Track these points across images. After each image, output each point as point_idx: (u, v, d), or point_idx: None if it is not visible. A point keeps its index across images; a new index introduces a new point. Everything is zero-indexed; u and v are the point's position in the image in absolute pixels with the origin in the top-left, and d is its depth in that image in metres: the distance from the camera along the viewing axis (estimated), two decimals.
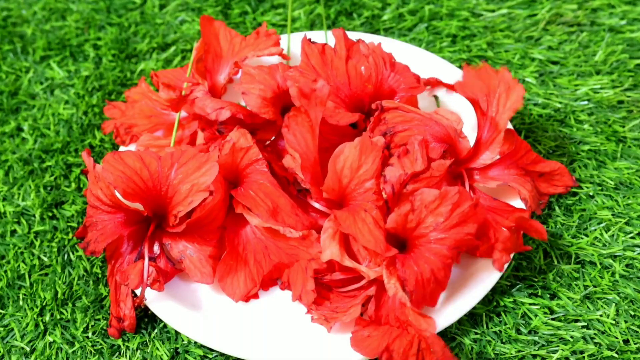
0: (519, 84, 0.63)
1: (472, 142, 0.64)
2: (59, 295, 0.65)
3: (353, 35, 0.74)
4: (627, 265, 0.64)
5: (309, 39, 0.67)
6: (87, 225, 0.62)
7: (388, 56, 0.67)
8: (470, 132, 0.68)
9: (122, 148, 0.71)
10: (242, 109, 0.64)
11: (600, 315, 0.61)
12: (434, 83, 0.68)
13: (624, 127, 0.73)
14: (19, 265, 0.68)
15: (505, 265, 0.60)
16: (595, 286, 0.63)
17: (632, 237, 0.65)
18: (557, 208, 0.67)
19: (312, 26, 0.84)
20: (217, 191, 0.61)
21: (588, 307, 0.62)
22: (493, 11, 0.84)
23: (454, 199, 0.56)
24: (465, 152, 0.63)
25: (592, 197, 0.68)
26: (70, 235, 0.69)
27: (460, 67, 0.79)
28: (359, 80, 0.66)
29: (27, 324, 0.64)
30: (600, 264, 0.64)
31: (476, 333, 0.61)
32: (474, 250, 0.60)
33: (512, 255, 0.59)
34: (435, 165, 0.58)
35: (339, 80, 0.66)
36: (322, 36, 0.78)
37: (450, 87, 0.68)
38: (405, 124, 0.62)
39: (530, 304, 0.62)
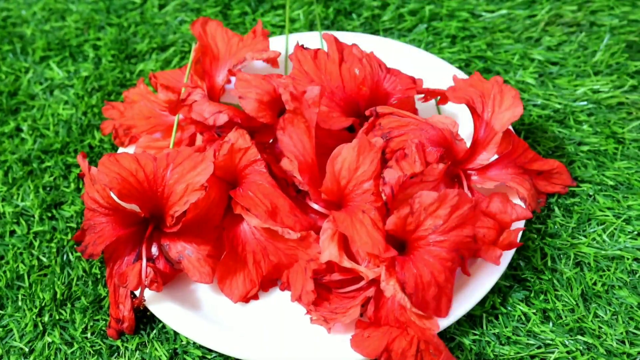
0: (513, 88, 0.63)
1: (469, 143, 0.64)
2: (58, 296, 0.65)
3: (351, 38, 0.74)
4: (625, 267, 0.64)
5: (302, 45, 0.66)
6: (85, 228, 0.62)
7: (382, 64, 0.67)
8: (467, 133, 0.68)
9: (121, 149, 0.71)
10: (240, 112, 0.64)
11: (597, 317, 0.61)
12: (428, 93, 0.67)
13: (623, 128, 0.73)
14: (18, 266, 0.68)
15: (504, 263, 0.60)
16: (593, 287, 0.63)
17: (631, 238, 0.65)
18: (556, 209, 0.67)
19: (311, 27, 0.84)
20: (211, 188, 0.61)
21: (586, 309, 0.62)
22: (493, 12, 0.84)
23: (453, 201, 0.55)
24: (462, 154, 0.63)
25: (592, 197, 0.68)
26: (70, 236, 0.69)
27: (460, 67, 0.79)
28: (353, 83, 0.65)
29: (26, 325, 0.64)
30: (598, 265, 0.64)
31: (475, 334, 0.61)
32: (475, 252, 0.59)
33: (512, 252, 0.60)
34: (428, 170, 0.58)
35: (333, 84, 0.65)
36: (319, 38, 0.77)
37: (444, 96, 0.66)
38: (400, 129, 0.62)
39: (528, 305, 0.62)
